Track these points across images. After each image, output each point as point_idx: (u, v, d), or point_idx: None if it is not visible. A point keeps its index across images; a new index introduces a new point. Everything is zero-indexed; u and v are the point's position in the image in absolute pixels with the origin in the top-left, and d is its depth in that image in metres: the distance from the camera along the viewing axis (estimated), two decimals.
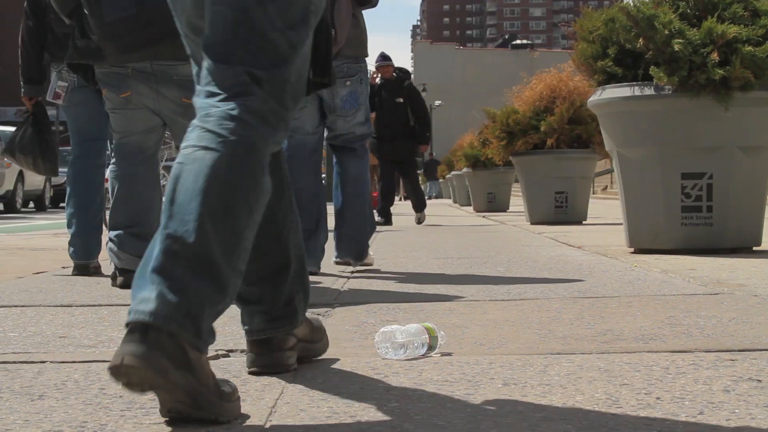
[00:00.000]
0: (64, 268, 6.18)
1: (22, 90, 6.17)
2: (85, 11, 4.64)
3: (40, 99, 6.23)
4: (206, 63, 2.25)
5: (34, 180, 24.82)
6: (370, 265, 6.00)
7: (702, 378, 2.44)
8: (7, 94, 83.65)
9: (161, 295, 1.99)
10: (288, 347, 2.58)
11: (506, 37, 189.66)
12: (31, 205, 26.03)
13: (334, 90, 5.60)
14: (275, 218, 2.52)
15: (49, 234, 11.23)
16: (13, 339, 3.27)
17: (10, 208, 23.26)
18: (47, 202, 26.15)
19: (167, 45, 4.58)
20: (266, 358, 2.57)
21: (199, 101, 2.23)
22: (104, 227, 5.58)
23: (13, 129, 25.36)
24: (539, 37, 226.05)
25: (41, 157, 6.21)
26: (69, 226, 5.81)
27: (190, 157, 2.11)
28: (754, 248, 6.58)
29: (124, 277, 4.87)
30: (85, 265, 5.75)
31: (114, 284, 5.01)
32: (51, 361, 2.82)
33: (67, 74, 5.84)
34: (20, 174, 23.55)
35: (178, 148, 4.50)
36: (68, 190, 5.90)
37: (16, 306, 4.20)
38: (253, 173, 2.14)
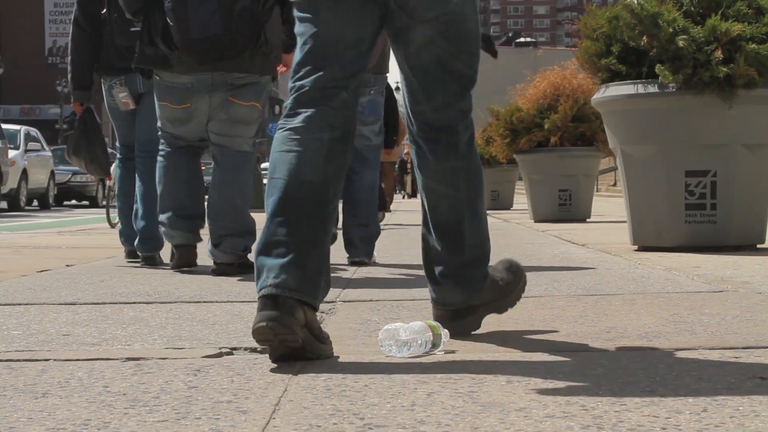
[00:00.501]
0: (68, 266, 6.19)
1: (72, 96, 6.44)
2: (170, 22, 5.02)
3: (89, 104, 6.59)
4: None
5: (38, 178, 24.85)
6: (375, 262, 6.25)
7: (706, 375, 2.44)
8: (13, 92, 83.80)
9: (285, 268, 2.64)
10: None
11: (510, 34, 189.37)
12: (35, 203, 26.04)
13: None
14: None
15: (53, 232, 11.24)
16: (16, 337, 3.28)
17: (14, 206, 23.28)
18: (51, 201, 26.17)
19: (238, 61, 5.21)
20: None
21: None
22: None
23: (18, 127, 25.44)
24: (543, 35, 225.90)
25: (89, 159, 6.66)
26: (120, 218, 6.44)
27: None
28: (758, 246, 6.57)
29: (180, 252, 5.63)
30: (152, 256, 6.16)
31: (171, 261, 5.72)
32: (55, 359, 2.82)
33: (131, 82, 6.14)
34: (24, 172, 23.58)
35: (211, 139, 5.47)
36: (117, 186, 6.45)
37: (19, 304, 4.20)
38: None
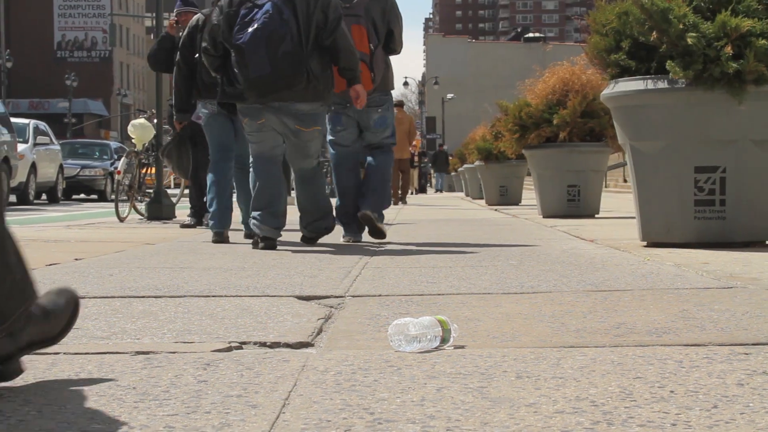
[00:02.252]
0: (76, 260, 6.20)
1: (174, 117, 9.32)
2: (236, 70, 6.81)
3: (187, 123, 9.39)
4: None
5: (47, 172, 24.88)
6: (384, 236, 7.80)
7: (716, 371, 2.44)
8: (22, 86, 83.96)
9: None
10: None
11: (519, 30, 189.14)
12: (44, 197, 26.08)
13: (368, 115, 7.92)
14: None
15: (62, 226, 11.26)
16: None
17: (23, 199, 23.31)
18: (60, 194, 26.21)
19: (288, 92, 6.84)
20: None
21: None
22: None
23: (27, 120, 25.48)
24: (552, 30, 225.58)
25: (177, 164, 10.35)
26: (210, 206, 8.45)
27: None
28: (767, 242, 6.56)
29: (266, 243, 7.08)
30: (220, 232, 8.09)
31: (255, 248, 7.10)
32: (64, 353, 2.83)
33: (211, 106, 8.46)
34: (33, 166, 23.61)
35: (290, 159, 7.44)
36: (209, 181, 8.57)
37: None
38: None
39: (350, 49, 7.14)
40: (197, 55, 8.53)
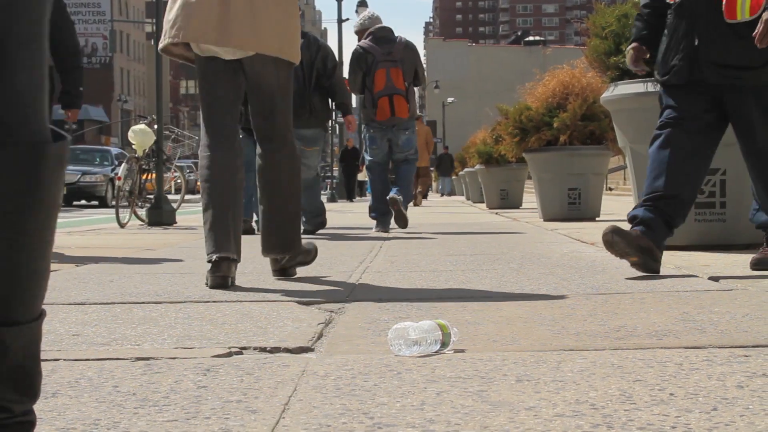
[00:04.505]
0: (77, 266, 6.20)
1: None
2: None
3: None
4: None
5: None
6: (406, 223, 10.68)
7: (716, 374, 2.44)
8: None
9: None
10: None
11: (519, 33, 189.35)
12: None
13: (398, 136, 10.59)
14: None
15: (63, 232, 11.26)
16: None
17: None
18: (60, 201, 26.19)
19: (295, 120, 7.12)
20: None
21: None
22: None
23: None
24: (552, 33, 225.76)
25: None
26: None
27: None
28: None
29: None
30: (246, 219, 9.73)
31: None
32: (64, 359, 2.83)
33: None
34: None
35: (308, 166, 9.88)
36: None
37: None
38: None
39: (344, 88, 10.01)
40: None
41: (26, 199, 1.49)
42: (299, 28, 5.14)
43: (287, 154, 5.11)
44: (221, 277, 4.67)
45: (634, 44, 5.41)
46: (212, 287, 4.65)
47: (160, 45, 5.02)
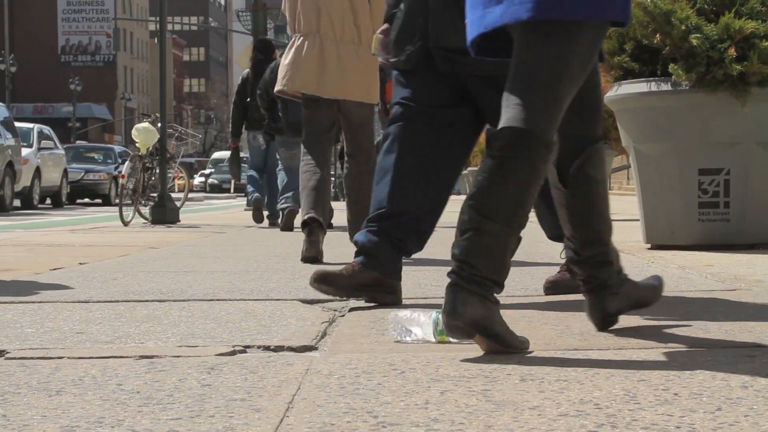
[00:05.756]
0: (81, 264, 6.20)
1: (231, 139, 13.13)
2: (280, 114, 8.79)
3: (238, 144, 13.32)
4: None
5: (51, 176, 24.91)
6: None
7: (720, 374, 2.43)
8: (26, 90, 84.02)
9: None
10: None
11: None
12: (48, 201, 26.10)
13: None
14: None
15: (66, 230, 11.27)
16: (30, 335, 3.28)
17: (27, 204, 23.34)
18: (64, 199, 26.23)
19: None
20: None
21: None
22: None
23: (31, 125, 25.50)
24: None
25: (231, 168, 14.22)
26: (250, 196, 12.90)
27: None
28: None
29: (288, 216, 10.24)
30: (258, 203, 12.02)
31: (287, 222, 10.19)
32: (68, 357, 2.83)
33: (259, 137, 12.07)
34: (37, 170, 23.64)
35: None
36: (251, 180, 12.38)
37: (33, 302, 4.21)
38: None
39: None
40: (248, 99, 12.01)
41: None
42: (377, 75, 6.51)
43: (368, 169, 6.29)
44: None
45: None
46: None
47: (276, 87, 6.58)
